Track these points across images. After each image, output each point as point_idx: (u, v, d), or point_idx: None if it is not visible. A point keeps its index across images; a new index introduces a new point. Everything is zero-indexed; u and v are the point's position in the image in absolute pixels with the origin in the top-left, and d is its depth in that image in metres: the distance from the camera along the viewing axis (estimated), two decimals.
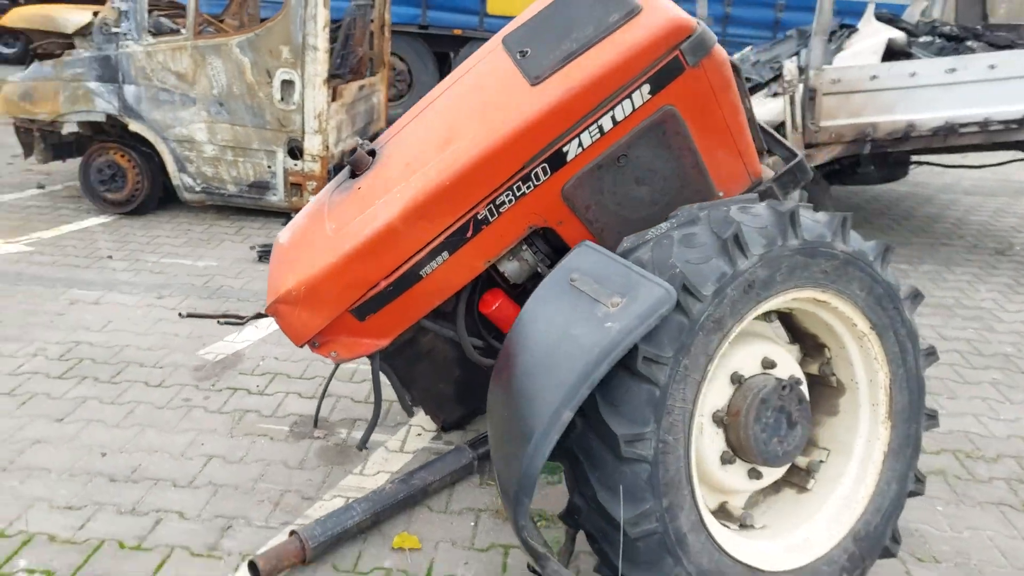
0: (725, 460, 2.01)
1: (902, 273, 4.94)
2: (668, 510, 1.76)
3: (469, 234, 2.21)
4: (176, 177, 5.27)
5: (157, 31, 5.13)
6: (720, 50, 2.11)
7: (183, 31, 5.04)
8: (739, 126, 2.24)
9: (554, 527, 2.42)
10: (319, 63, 4.91)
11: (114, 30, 4.93)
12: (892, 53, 4.97)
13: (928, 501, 2.68)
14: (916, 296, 2.16)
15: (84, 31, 5.03)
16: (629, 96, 2.08)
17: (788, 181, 2.38)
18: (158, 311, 3.84)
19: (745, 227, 1.82)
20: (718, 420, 1.98)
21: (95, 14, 5.03)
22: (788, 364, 2.09)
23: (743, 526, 2.10)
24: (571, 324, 1.75)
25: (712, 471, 2.00)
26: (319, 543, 2.22)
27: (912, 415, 2.17)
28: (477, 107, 2.28)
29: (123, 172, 5.29)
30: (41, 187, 6.01)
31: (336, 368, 2.76)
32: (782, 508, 2.20)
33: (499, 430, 1.90)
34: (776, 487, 2.28)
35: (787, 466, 2.15)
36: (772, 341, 2.12)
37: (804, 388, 2.09)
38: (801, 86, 4.73)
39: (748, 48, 6.16)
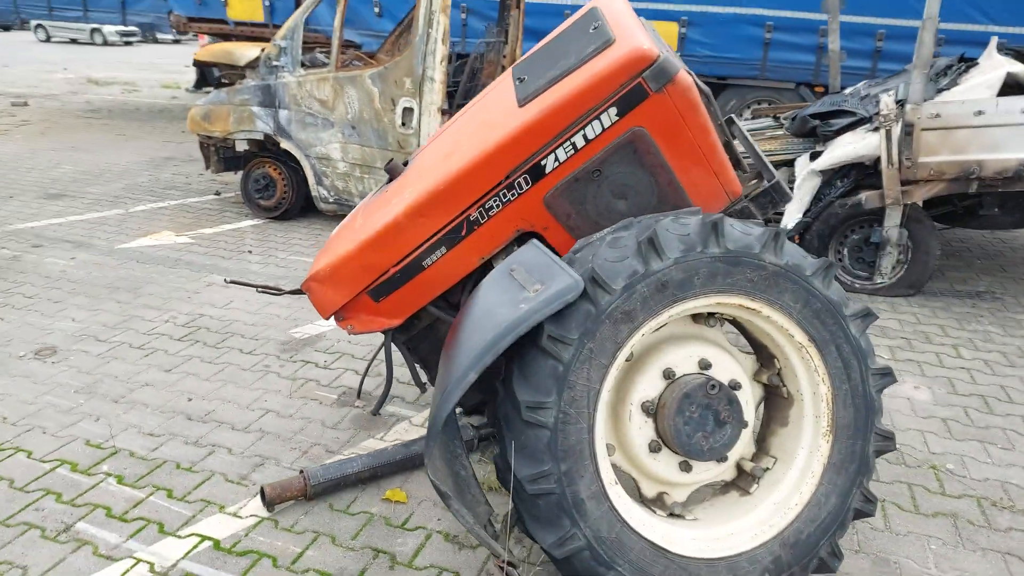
0: (653, 448, 2.18)
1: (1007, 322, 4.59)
2: (566, 474, 1.98)
3: (463, 233, 2.56)
4: (315, 189, 6.09)
5: (312, 64, 6.01)
6: (684, 77, 2.31)
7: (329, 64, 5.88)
8: (710, 147, 2.42)
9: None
10: (435, 93, 5.51)
11: (274, 63, 5.85)
12: (1014, 88, 4.68)
13: (922, 539, 2.61)
14: (867, 315, 2.20)
15: (253, 64, 6.02)
16: (598, 117, 2.35)
17: (766, 201, 2.51)
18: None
19: (665, 232, 2.02)
20: (647, 410, 2.17)
21: (262, 50, 6.00)
22: (728, 368, 2.22)
23: (672, 515, 2.24)
24: (498, 304, 2.04)
25: (640, 456, 2.18)
26: (319, 483, 2.65)
27: (858, 432, 2.20)
28: (477, 125, 2.65)
29: (274, 183, 6.21)
30: (217, 194, 7.14)
31: (378, 351, 3.19)
32: (721, 507, 2.31)
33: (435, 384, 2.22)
34: (725, 489, 2.39)
35: (726, 465, 2.27)
36: (715, 345, 2.25)
37: (746, 393, 2.22)
38: (898, 121, 4.60)
39: (863, 82, 5.99)
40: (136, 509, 2.58)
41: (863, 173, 4.97)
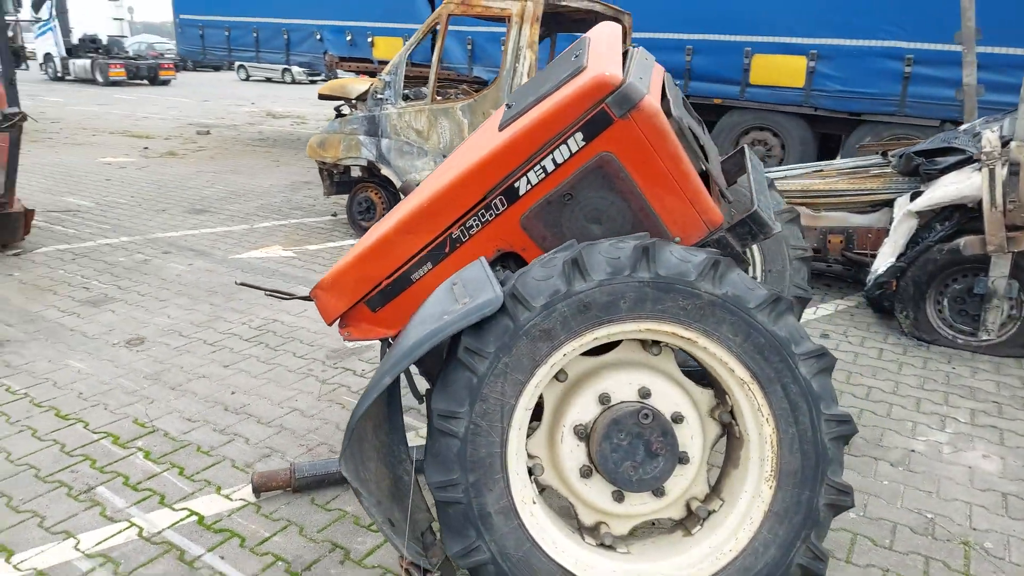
0: (584, 473, 2.15)
1: None
2: (474, 486, 2.01)
3: (447, 250, 2.67)
4: None
5: (415, 97, 6.42)
6: (649, 103, 2.29)
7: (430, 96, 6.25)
8: (682, 174, 2.36)
9: None
10: None
11: (379, 96, 6.31)
12: None
13: None
14: (821, 356, 2.04)
15: (363, 97, 6.52)
16: (565, 142, 2.38)
17: (744, 232, 2.40)
18: None
19: (592, 254, 2.01)
20: (579, 433, 2.14)
21: (372, 85, 6.49)
22: (671, 399, 2.15)
23: (603, 545, 2.18)
24: (429, 315, 2.12)
25: (572, 480, 2.16)
26: (304, 477, 2.83)
27: (806, 481, 2.04)
28: (466, 149, 2.76)
29: (374, 205, 6.66)
30: (335, 215, 7.74)
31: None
32: (659, 545, 2.22)
33: None
34: (673, 528, 2.29)
35: (667, 501, 2.18)
36: (663, 375, 2.19)
37: (692, 427, 2.13)
38: (1002, 160, 4.15)
39: (982, 118, 5.42)
40: (149, 481, 2.90)
41: (966, 216, 4.52)
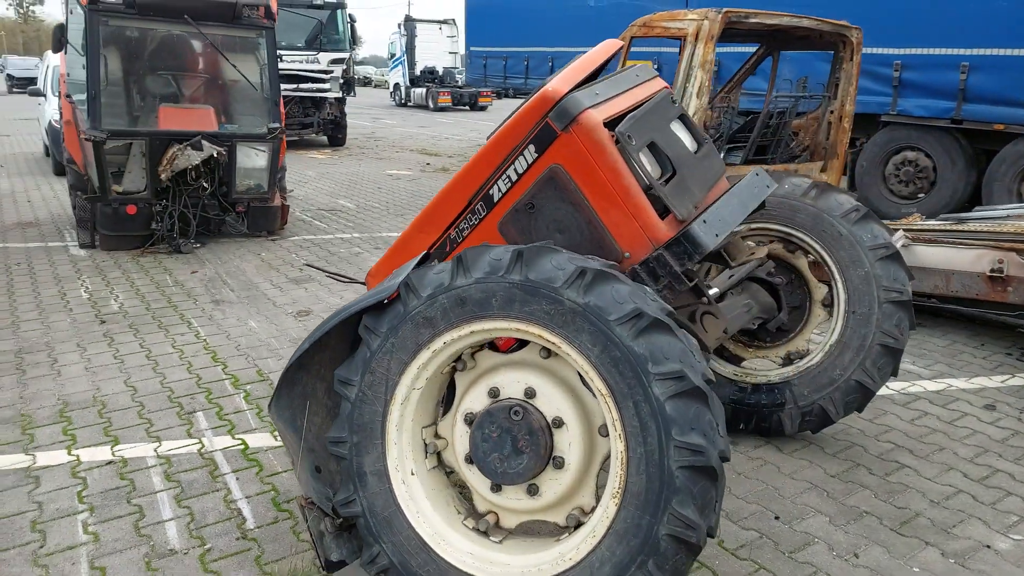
0: (467, 459, 2.29)
1: None
2: (356, 446, 2.27)
3: (447, 249, 2.95)
4: None
5: None
6: (588, 117, 2.35)
7: None
8: (623, 189, 2.37)
9: None
10: None
11: None
12: None
13: None
14: (680, 379, 1.93)
15: None
16: (521, 154, 2.52)
17: (680, 251, 2.32)
18: None
19: (477, 255, 2.17)
20: (468, 421, 2.30)
21: None
22: (555, 403, 2.19)
23: (477, 530, 2.29)
24: (354, 299, 2.43)
25: (460, 464, 2.32)
26: None
27: (648, 506, 1.95)
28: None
29: None
30: None
31: None
32: (528, 543, 2.25)
33: None
34: (552, 532, 2.32)
35: (544, 501, 2.21)
36: (556, 379, 2.23)
37: (572, 433, 2.16)
38: None
39: None
40: (234, 415, 3.62)
41: None
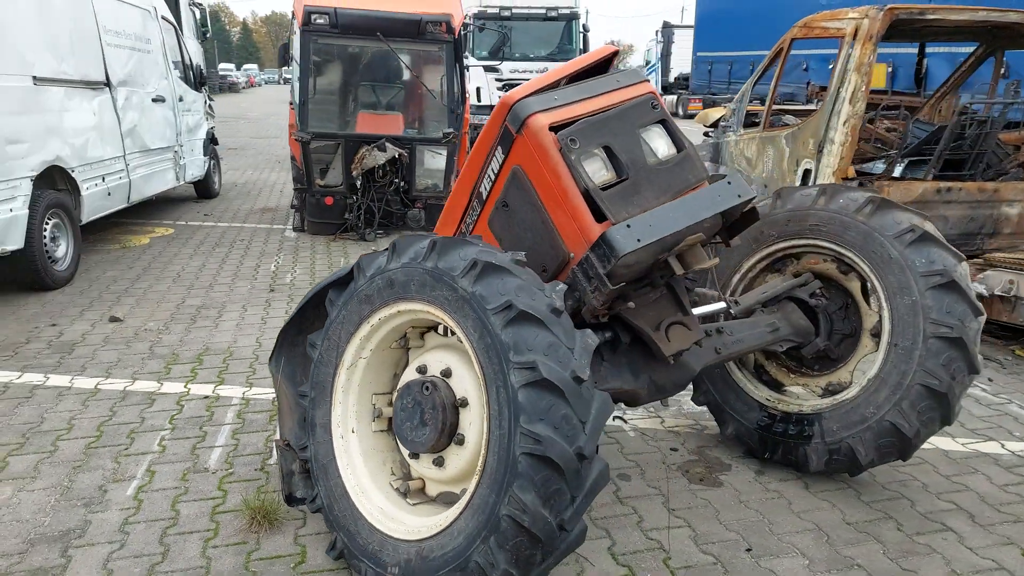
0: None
1: None
2: (312, 400, 2.63)
3: None
4: None
5: (773, 125, 6.31)
6: (535, 121, 2.46)
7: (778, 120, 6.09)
8: (563, 191, 2.46)
9: None
10: (833, 155, 5.16)
11: (725, 124, 6.44)
12: None
13: None
14: (532, 370, 2.00)
15: (716, 124, 6.71)
16: (494, 155, 2.70)
17: (601, 254, 2.34)
18: None
19: (408, 244, 2.40)
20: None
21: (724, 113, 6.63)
22: (466, 384, 2.36)
23: (398, 491, 2.53)
24: None
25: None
26: None
27: (495, 486, 2.05)
28: None
29: None
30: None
31: None
32: (428, 508, 2.44)
33: None
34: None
35: (453, 477, 2.39)
36: (469, 360, 2.38)
37: (472, 412, 2.32)
38: None
39: None
40: None
41: None
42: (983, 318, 2.82)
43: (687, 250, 2.51)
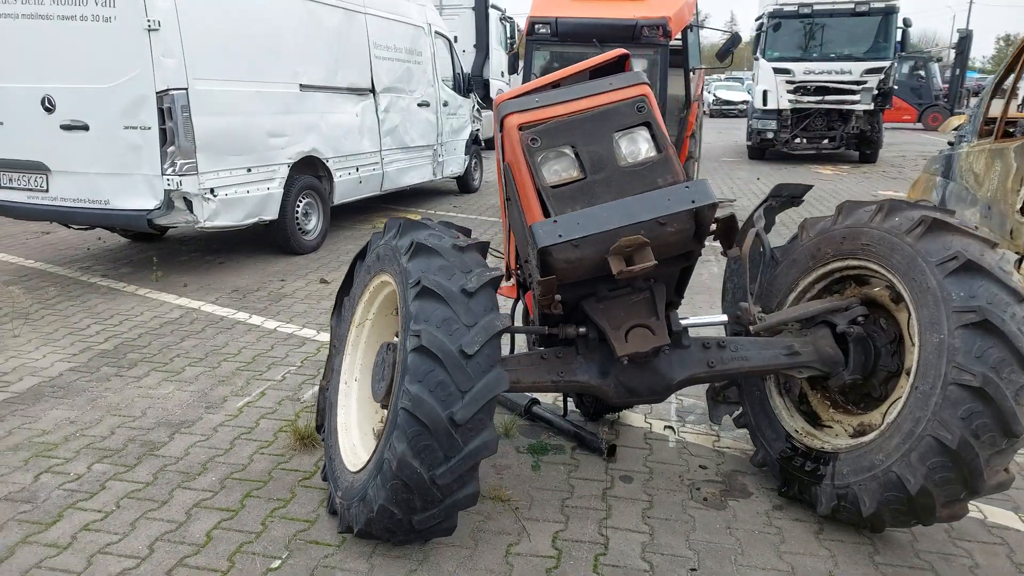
0: None
1: None
2: (334, 348, 3.15)
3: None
4: None
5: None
6: (508, 120, 2.68)
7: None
8: (523, 187, 2.64)
9: None
10: None
11: (958, 133, 5.53)
12: None
13: None
14: (417, 336, 2.26)
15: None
16: (502, 147, 2.95)
17: (532, 247, 2.48)
18: None
19: (393, 224, 2.80)
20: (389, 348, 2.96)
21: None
22: None
23: (375, 433, 2.93)
24: None
25: None
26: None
27: (386, 433, 2.37)
28: None
29: None
30: None
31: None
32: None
33: None
34: None
35: None
36: None
37: None
38: None
39: None
40: None
41: None
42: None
43: (635, 251, 2.51)
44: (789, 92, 15.25)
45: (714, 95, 33.79)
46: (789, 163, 15.57)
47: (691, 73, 8.06)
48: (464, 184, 11.02)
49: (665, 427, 3.64)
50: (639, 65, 7.74)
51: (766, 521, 2.87)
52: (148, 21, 5.25)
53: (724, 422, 3.52)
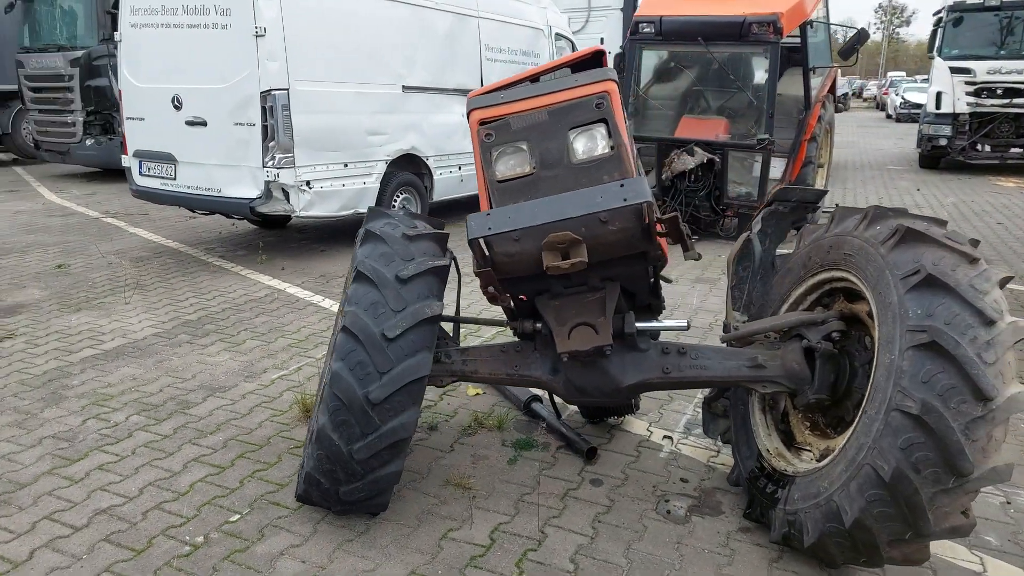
0: None
1: None
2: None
3: None
4: None
5: None
6: (472, 116, 2.73)
7: None
8: (478, 179, 2.69)
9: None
10: None
11: None
12: None
13: None
14: (345, 316, 2.40)
15: None
16: None
17: None
18: None
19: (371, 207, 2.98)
20: None
21: None
22: None
23: None
24: None
25: None
26: None
27: (315, 407, 2.53)
28: None
29: None
30: None
31: None
32: None
33: None
34: None
35: None
36: None
37: None
38: None
39: None
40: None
41: None
42: (997, 403, 2.02)
43: (571, 248, 2.48)
44: (968, 94, 13.72)
45: (903, 98, 30.83)
46: (964, 173, 14.02)
47: (812, 72, 7.54)
48: None
49: (664, 436, 3.52)
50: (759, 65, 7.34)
51: (722, 542, 2.71)
52: (256, 28, 5.83)
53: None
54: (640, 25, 7.37)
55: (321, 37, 6.30)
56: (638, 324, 2.76)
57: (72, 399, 3.82)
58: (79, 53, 10.85)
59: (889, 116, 33.05)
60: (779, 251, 3.15)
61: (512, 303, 2.82)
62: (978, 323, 2.08)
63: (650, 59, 7.96)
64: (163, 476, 3.09)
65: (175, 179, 6.62)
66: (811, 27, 7.68)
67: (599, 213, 2.41)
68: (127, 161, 7.01)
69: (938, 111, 14.14)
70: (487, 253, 2.54)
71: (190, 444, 3.37)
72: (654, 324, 2.79)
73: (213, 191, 6.41)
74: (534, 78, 2.96)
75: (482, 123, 2.72)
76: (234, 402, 3.82)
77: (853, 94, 51.04)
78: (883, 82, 45.77)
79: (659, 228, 2.55)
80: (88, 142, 11.11)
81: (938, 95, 14.12)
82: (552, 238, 2.43)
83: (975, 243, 2.32)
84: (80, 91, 10.95)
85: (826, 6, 8.58)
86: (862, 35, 7.79)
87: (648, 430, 3.59)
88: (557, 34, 9.75)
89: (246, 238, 7.83)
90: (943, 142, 14.09)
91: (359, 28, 6.68)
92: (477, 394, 3.99)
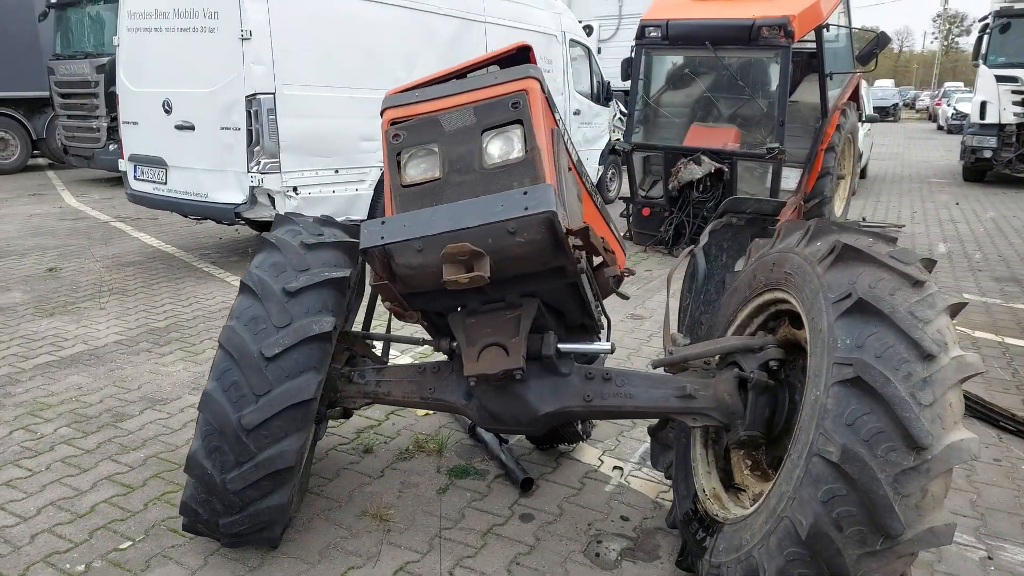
0: None
1: None
2: None
3: None
4: None
5: None
6: (384, 115, 2.51)
7: None
8: (385, 181, 2.47)
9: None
10: None
11: None
12: None
13: None
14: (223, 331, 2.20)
15: None
16: None
17: None
18: None
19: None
20: None
21: None
22: None
23: None
24: None
25: None
26: None
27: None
28: None
29: None
30: None
31: None
32: None
33: None
34: None
35: None
36: None
37: None
38: None
39: None
40: None
41: None
42: (933, 453, 1.71)
43: (474, 261, 2.24)
44: (1015, 104, 13.02)
45: (954, 108, 29.54)
46: (1010, 187, 13.30)
47: (829, 78, 7.13)
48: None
49: (614, 467, 3.23)
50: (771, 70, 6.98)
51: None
52: (242, 31, 5.73)
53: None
54: (646, 29, 7.07)
55: (313, 41, 6.17)
56: (560, 346, 2.49)
57: (8, 408, 3.71)
58: (104, 60, 11.01)
59: (940, 127, 31.84)
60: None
61: (427, 320, 2.58)
62: (914, 357, 1.77)
63: (660, 64, 7.64)
64: (68, 495, 2.93)
65: (166, 183, 6.56)
66: (827, 30, 7.27)
67: (506, 223, 2.16)
68: (123, 165, 7.00)
69: (983, 121, 13.45)
70: (389, 265, 2.32)
71: (109, 460, 3.21)
72: (574, 346, 2.51)
73: (201, 196, 6.32)
74: (461, 74, 2.73)
75: (393, 123, 2.50)
76: (170, 416, 3.65)
77: (905, 104, 49.34)
78: (936, 92, 44.23)
79: (574, 240, 2.29)
80: (111, 147, 11.25)
81: (983, 105, 13.43)
82: (450, 249, 2.19)
83: (929, 263, 2.00)
84: (104, 97, 11.11)
85: (847, 9, 8.13)
86: (882, 39, 7.33)
87: (599, 459, 3.31)
88: (572, 40, 9.50)
89: (244, 244, 7.75)
90: (987, 154, 13.39)
91: (355, 33, 6.53)
92: (427, 414, 3.76)
